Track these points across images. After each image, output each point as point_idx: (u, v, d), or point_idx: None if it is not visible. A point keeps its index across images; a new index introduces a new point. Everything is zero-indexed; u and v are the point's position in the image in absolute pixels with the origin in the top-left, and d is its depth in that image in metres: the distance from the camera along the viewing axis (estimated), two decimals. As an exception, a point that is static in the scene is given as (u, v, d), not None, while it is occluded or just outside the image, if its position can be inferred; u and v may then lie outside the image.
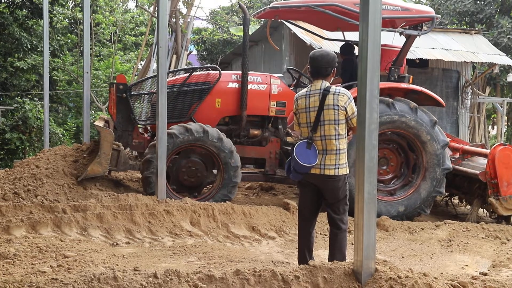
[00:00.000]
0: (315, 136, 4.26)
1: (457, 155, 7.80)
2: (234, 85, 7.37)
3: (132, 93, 7.45)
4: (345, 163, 4.29)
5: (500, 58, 12.78)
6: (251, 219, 6.14)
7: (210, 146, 6.83)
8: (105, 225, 5.46)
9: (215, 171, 7.07)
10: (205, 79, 7.41)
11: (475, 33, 13.75)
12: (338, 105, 4.19)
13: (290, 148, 5.84)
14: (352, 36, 8.47)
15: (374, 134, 3.21)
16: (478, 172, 6.98)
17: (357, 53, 6.74)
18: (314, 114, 4.25)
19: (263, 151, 7.51)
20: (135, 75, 14.07)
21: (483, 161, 7.21)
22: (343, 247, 4.33)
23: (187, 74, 7.44)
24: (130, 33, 20.34)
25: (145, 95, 7.73)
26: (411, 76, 7.48)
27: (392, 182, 7.32)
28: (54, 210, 5.62)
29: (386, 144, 7.26)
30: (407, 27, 7.25)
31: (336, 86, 4.39)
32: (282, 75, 7.91)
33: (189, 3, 14.01)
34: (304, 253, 4.46)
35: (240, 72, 7.33)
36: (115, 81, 7.60)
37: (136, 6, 20.34)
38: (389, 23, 7.23)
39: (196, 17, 16.21)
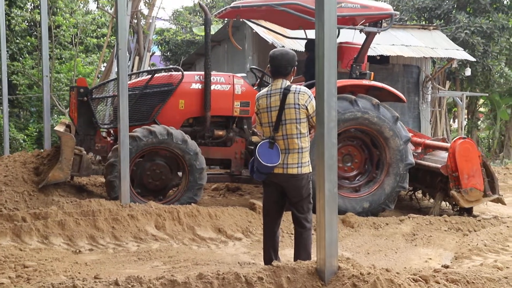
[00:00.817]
0: (277, 136, 4.26)
1: (419, 150, 7.94)
2: (197, 86, 7.31)
3: (94, 96, 7.32)
4: (308, 161, 4.30)
5: (458, 53, 13.07)
6: (217, 220, 6.10)
7: (175, 148, 6.76)
8: (67, 232, 5.33)
9: (180, 174, 7.00)
10: (167, 81, 7.33)
11: (433, 29, 14.02)
12: (299, 104, 4.20)
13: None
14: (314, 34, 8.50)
15: (333, 132, 3.21)
16: (440, 165, 7.11)
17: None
18: (276, 113, 4.24)
19: (228, 151, 7.47)
20: (98, 78, 13.81)
21: (444, 154, 7.35)
22: (308, 245, 4.34)
23: (149, 76, 7.35)
24: (91, 35, 19.90)
25: (107, 98, 7.59)
26: (372, 73, 7.56)
27: (357, 178, 7.39)
28: (13, 219, 5.45)
29: (350, 141, 7.32)
30: (367, 24, 7.33)
31: (296, 85, 4.39)
32: (245, 75, 7.90)
33: (150, 4, 13.84)
34: (270, 253, 4.46)
35: (203, 72, 7.28)
36: (76, 85, 7.46)
37: (97, 8, 19.94)
38: (349, 21, 7.30)
39: (158, 17, 16.04)
